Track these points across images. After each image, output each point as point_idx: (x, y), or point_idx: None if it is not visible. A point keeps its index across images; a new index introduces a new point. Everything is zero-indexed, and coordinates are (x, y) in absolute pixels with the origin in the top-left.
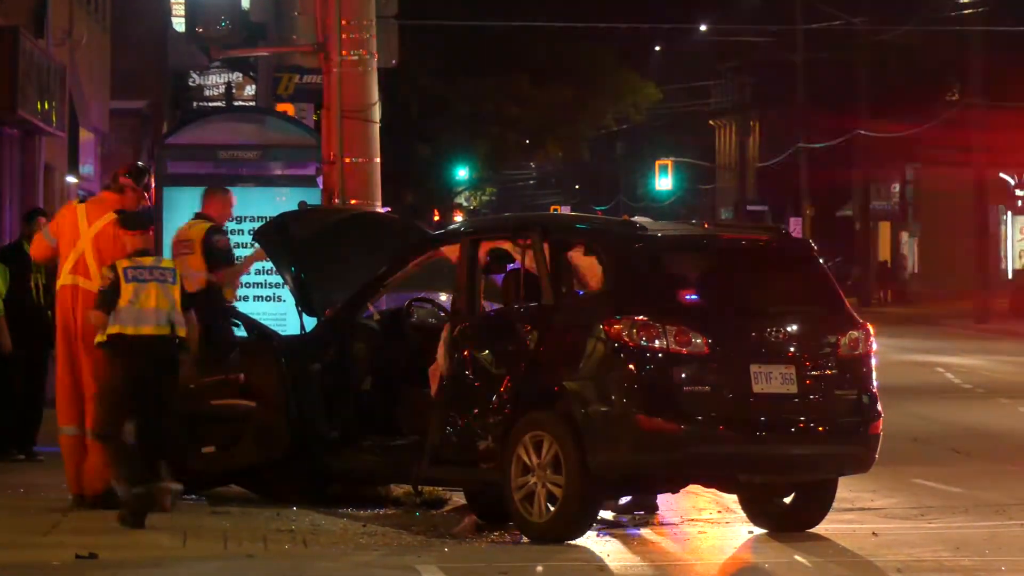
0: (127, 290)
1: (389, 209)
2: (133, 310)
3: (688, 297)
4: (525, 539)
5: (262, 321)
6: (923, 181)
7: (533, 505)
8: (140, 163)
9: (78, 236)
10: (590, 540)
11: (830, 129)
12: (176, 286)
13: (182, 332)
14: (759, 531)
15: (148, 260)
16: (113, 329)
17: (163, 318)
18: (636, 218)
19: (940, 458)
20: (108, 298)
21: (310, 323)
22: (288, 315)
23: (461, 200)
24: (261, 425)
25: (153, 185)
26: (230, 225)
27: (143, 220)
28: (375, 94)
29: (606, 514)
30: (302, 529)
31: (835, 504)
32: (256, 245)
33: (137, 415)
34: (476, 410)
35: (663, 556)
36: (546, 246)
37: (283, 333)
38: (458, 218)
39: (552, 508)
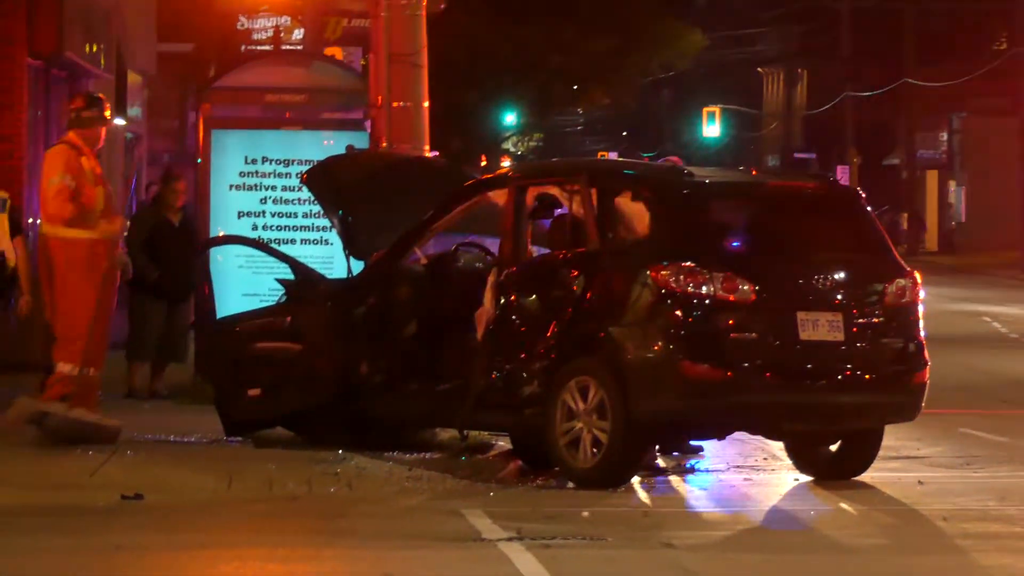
0: None
1: (436, 154)
2: None
3: (735, 244)
4: (570, 484)
5: (309, 264)
6: (970, 130)
7: (578, 450)
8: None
9: None
10: (635, 486)
11: (877, 77)
12: (4, 215)
13: (11, 261)
14: (805, 479)
15: None
16: None
17: None
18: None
19: (986, 407)
20: None
21: (357, 267)
22: (335, 258)
23: (508, 146)
24: (307, 369)
25: (201, 128)
26: (278, 168)
27: None
28: (422, 38)
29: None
30: (347, 472)
31: (881, 452)
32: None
33: None
34: (522, 355)
35: (708, 502)
36: (593, 192)
37: (330, 276)
38: (505, 163)
39: (597, 453)
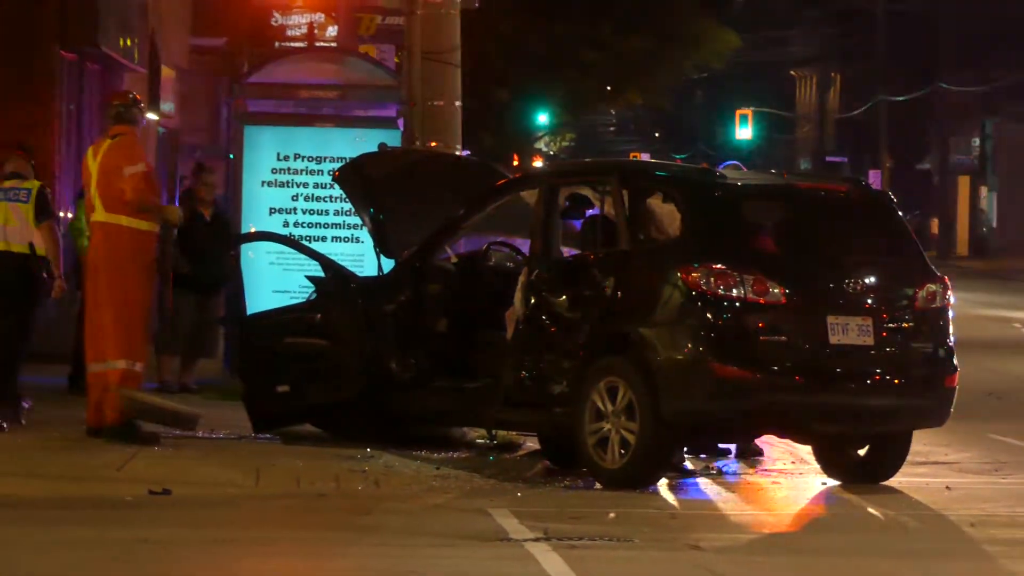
0: None
1: (468, 152)
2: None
3: (766, 247)
4: (598, 485)
5: (340, 262)
6: (1003, 135)
7: (606, 451)
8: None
9: None
10: (663, 487)
11: (910, 81)
12: (29, 204)
13: (40, 251)
14: (832, 483)
15: (9, 183)
16: None
17: (11, 236)
18: (730, 163)
19: (1015, 413)
20: None
21: (388, 264)
22: (366, 256)
23: (540, 145)
24: (336, 365)
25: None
26: (310, 166)
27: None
28: (457, 36)
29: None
30: (375, 470)
31: (909, 457)
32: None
33: None
34: (551, 354)
35: (736, 505)
36: (625, 192)
37: (360, 274)
38: (537, 163)
39: (625, 454)
